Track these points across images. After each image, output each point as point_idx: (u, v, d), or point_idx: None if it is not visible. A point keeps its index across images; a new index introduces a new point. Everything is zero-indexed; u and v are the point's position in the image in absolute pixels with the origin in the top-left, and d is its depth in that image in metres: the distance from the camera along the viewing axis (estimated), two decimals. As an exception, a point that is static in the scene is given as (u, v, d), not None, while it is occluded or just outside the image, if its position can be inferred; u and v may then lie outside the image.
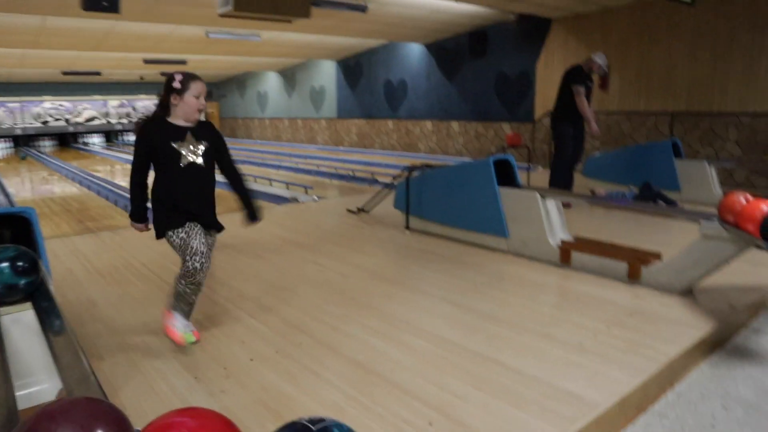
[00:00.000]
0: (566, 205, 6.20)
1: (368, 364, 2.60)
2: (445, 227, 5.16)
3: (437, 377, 2.45)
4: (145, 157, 2.68)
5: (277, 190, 8.94)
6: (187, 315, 2.82)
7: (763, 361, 2.86)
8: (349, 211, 6.47)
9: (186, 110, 2.66)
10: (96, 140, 25.26)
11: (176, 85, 2.63)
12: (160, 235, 2.72)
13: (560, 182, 6.53)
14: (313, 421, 0.96)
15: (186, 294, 2.74)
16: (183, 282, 2.70)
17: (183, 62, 17.83)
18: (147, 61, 16.78)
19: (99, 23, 10.35)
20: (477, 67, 12.97)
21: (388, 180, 6.76)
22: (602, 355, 2.65)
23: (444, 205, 5.16)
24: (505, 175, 4.73)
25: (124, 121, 25.33)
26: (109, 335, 3.01)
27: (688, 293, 3.46)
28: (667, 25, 9.25)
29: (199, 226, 2.73)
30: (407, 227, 5.50)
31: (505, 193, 4.58)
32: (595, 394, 2.27)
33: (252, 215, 2.95)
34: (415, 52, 14.78)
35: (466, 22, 11.99)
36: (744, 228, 2.94)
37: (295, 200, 7.65)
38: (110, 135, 25.64)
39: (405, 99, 15.34)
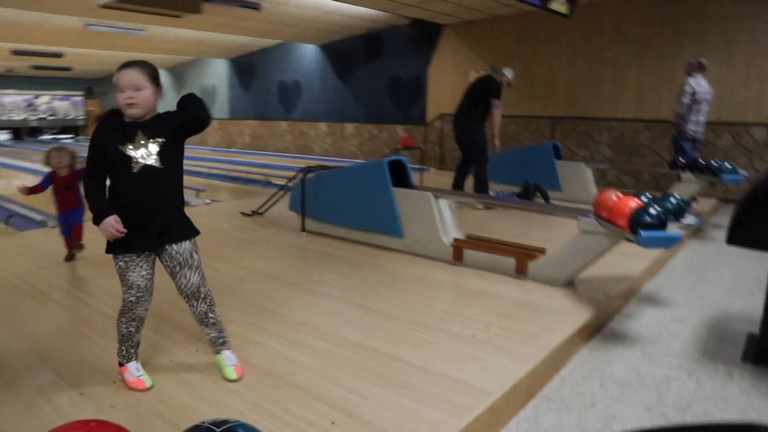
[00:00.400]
0: (488, 208, 6.49)
1: (269, 368, 2.56)
2: (342, 228, 5.19)
3: (339, 377, 2.46)
4: (97, 164, 2.29)
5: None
6: (136, 356, 2.48)
7: (634, 343, 3.15)
8: (243, 213, 6.32)
9: (121, 108, 2.30)
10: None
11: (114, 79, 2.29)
12: (107, 250, 2.35)
13: (485, 186, 6.74)
14: (217, 423, 0.94)
15: (129, 334, 2.43)
16: (123, 320, 2.40)
17: (59, 55, 16.53)
18: (16, 53, 15.37)
19: (-44, 9, 9.37)
20: (371, 69, 13.15)
21: (282, 182, 6.68)
22: (494, 345, 2.79)
23: (340, 207, 5.19)
24: (399, 176, 4.84)
25: (-10, 119, 22.89)
26: (-23, 354, 2.74)
27: (569, 284, 3.74)
28: (548, 35, 9.91)
29: (143, 253, 2.34)
30: (303, 229, 5.46)
31: (400, 194, 4.69)
32: (489, 382, 2.39)
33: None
34: (309, 53, 14.72)
35: (360, 25, 12.12)
36: (616, 223, 3.21)
37: (186, 203, 7.33)
38: (-27, 135, 23.07)
39: (299, 100, 15.23)
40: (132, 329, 2.42)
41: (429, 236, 4.49)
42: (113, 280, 3.87)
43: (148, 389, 2.37)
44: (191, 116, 2.44)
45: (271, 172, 11.73)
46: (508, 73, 6.75)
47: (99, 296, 3.58)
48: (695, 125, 6.73)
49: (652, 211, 3.01)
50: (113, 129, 2.30)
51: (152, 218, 2.31)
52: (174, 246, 2.36)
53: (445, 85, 11.60)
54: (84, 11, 9.78)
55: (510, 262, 4.01)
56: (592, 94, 9.48)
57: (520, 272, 3.95)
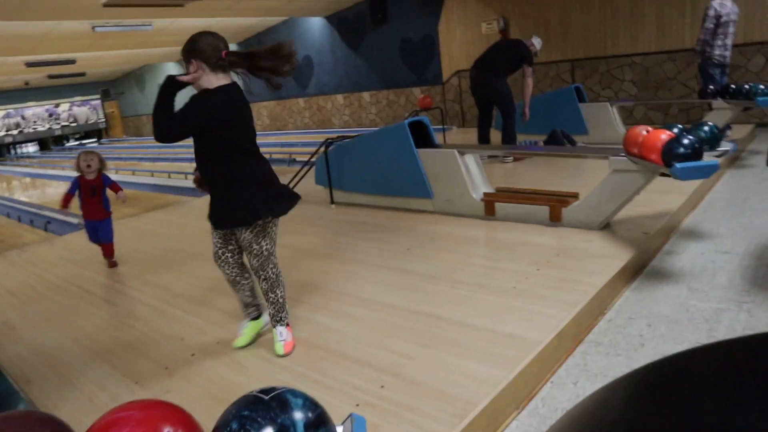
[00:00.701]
0: (517, 159, 6.41)
1: (314, 340, 2.59)
2: (370, 196, 5.17)
3: (383, 341, 2.48)
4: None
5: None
6: (245, 315, 2.70)
7: (679, 279, 3.08)
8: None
9: None
10: (-16, 155, 23.25)
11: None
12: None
13: (514, 138, 6.64)
14: (265, 391, 0.94)
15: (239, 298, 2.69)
16: None
17: (72, 62, 16.68)
18: (30, 64, 15.55)
19: (-33, 26, 9.49)
20: (380, 35, 12.93)
21: (306, 159, 6.67)
22: (536, 295, 2.76)
23: (365, 175, 5.16)
24: (422, 137, 4.78)
25: (14, 132, 23.30)
26: (34, 356, 2.83)
27: (606, 227, 3.66)
28: (557, -25, 9.55)
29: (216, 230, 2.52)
30: (332, 202, 5.47)
31: (424, 154, 4.63)
32: (534, 333, 2.37)
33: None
34: (316, 26, 14.53)
35: (364, -10, 11.89)
36: (648, 158, 3.12)
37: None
38: (1, 149, 23.52)
39: (312, 75, 15.11)
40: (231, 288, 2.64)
41: (458, 193, 4.44)
42: (153, 274, 3.96)
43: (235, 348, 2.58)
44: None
45: (293, 150, 11.73)
46: (537, 42, 6.67)
47: (141, 288, 3.66)
48: (722, 49, 6.43)
49: (685, 141, 2.91)
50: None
51: (212, 200, 2.48)
52: (235, 229, 2.47)
53: (458, 41, 11.34)
54: (89, 12, 9.80)
55: (543, 210, 3.95)
56: (609, 31, 9.15)
57: (555, 220, 3.89)
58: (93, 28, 11.30)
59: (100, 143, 24.46)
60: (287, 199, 2.50)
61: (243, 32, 15.83)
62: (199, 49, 2.31)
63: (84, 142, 25.09)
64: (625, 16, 8.89)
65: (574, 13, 9.50)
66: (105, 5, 6.51)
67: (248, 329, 2.65)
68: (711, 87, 6.23)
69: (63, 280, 4.08)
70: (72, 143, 24.94)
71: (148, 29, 12.49)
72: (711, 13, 6.30)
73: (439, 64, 11.83)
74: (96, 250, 4.37)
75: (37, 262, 4.68)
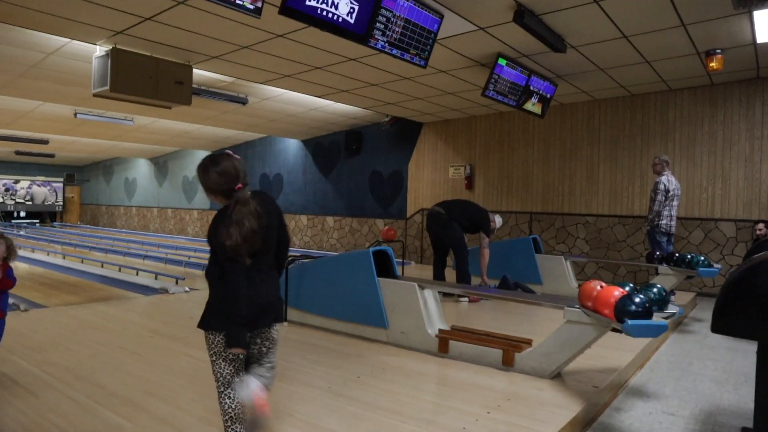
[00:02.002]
0: (472, 300, 6.57)
1: (250, 461, 2.43)
2: (325, 319, 5.11)
3: (325, 471, 2.34)
4: None
5: (145, 280, 8.38)
6: None
7: (626, 438, 3.07)
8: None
9: None
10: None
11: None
12: None
13: (468, 279, 6.87)
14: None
15: None
16: None
17: (45, 142, 16.70)
18: (0, 138, 15.48)
19: (-54, 94, 9.50)
20: (352, 164, 13.49)
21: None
22: (485, 439, 2.70)
23: (323, 297, 5.14)
24: (383, 267, 4.85)
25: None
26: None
27: (557, 377, 3.68)
28: (523, 133, 10.38)
29: None
30: (285, 319, 5.37)
31: (385, 284, 4.68)
32: (482, 478, 2.29)
33: None
34: (292, 147, 15.11)
35: (343, 122, 12.57)
36: (601, 312, 3.23)
37: (164, 291, 7.20)
38: (-55, 216, 22.76)
39: (281, 193, 15.43)
40: None
41: (414, 327, 4.44)
42: (86, 368, 3.72)
43: None
44: None
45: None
46: (498, 221, 7.25)
47: (71, 382, 3.42)
48: (668, 219, 6.97)
49: (636, 299, 3.05)
50: None
51: None
52: None
53: (425, 180, 11.92)
54: (77, 100, 10.02)
55: (496, 353, 3.96)
56: (567, 190, 9.82)
57: (507, 364, 3.89)
58: (75, 114, 11.49)
59: (53, 225, 23.82)
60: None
61: (220, 142, 16.30)
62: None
63: (32, 221, 24.41)
64: (582, 179, 9.60)
65: (535, 169, 10.21)
66: (95, 95, 6.68)
67: None
68: (658, 253, 6.63)
69: (-16, 364, 3.78)
70: (18, 221, 24.22)
71: (129, 124, 12.76)
72: (661, 187, 6.89)
73: (404, 200, 12.30)
74: (28, 332, 4.12)
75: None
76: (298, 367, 3.91)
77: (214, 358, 2.38)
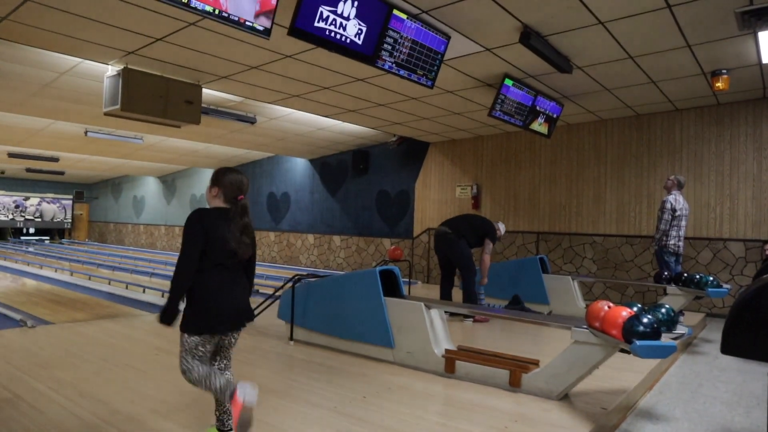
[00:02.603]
0: (478, 320, 6.54)
1: (255, 481, 2.41)
2: (330, 338, 5.09)
3: (330, 492, 2.32)
4: None
5: (151, 297, 8.39)
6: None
7: (635, 461, 3.02)
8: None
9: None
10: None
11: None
12: None
13: (475, 299, 6.83)
14: None
15: None
16: None
17: (55, 159, 16.88)
18: (12, 155, 15.65)
19: (-40, 113, 9.64)
20: (359, 184, 13.54)
21: (269, 291, 6.65)
22: (492, 461, 2.67)
23: (329, 316, 5.13)
24: (390, 286, 4.85)
25: (-23, 218, 22.90)
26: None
27: (564, 398, 3.65)
28: (530, 153, 10.40)
29: None
30: (291, 338, 5.36)
31: (391, 303, 4.67)
32: (489, 500, 2.26)
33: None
34: (299, 166, 15.19)
35: (350, 141, 12.65)
36: (609, 333, 3.21)
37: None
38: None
39: (288, 212, 15.49)
40: None
41: (421, 347, 4.42)
42: (91, 385, 3.73)
43: None
44: None
45: (258, 281, 11.64)
46: (502, 228, 7.33)
47: (75, 399, 3.41)
48: (676, 239, 6.94)
49: (644, 320, 3.03)
50: None
51: None
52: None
53: (432, 200, 11.93)
54: (88, 119, 10.15)
55: (503, 374, 3.93)
56: (574, 210, 9.80)
57: (514, 385, 3.86)
58: (86, 132, 11.62)
59: (61, 242, 23.97)
60: None
61: (228, 161, 16.42)
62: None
63: (42, 238, 24.61)
64: (589, 199, 9.59)
65: (542, 189, 10.21)
66: (106, 114, 6.77)
67: None
68: (666, 273, 6.59)
69: (-9, 381, 3.79)
70: (27, 237, 24.45)
71: (138, 142, 12.89)
72: (668, 206, 6.88)
73: (411, 219, 12.31)
74: (35, 349, 4.12)
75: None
76: (303, 386, 3.89)
77: (183, 355, 2.72)
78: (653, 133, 8.97)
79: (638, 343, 2.94)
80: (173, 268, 2.69)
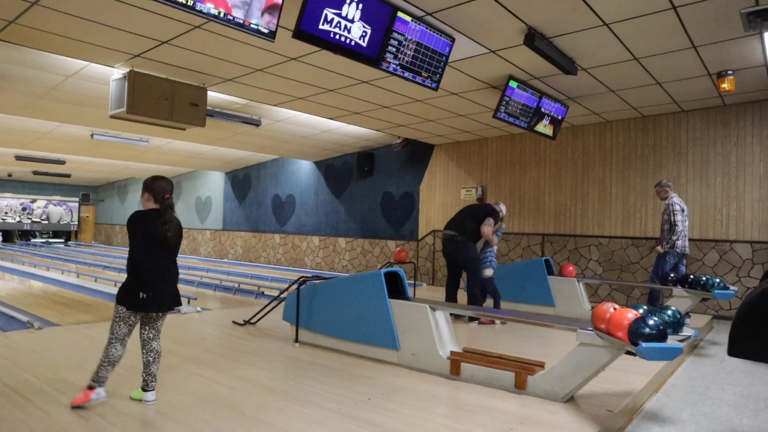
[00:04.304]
0: (482, 322, 6.52)
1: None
2: (335, 340, 5.09)
3: (335, 494, 2.32)
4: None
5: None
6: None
7: (642, 464, 3.01)
8: (235, 323, 6.22)
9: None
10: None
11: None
12: None
13: (478, 300, 6.78)
14: None
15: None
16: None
17: (62, 162, 17.00)
18: (19, 158, 15.77)
19: (-33, 115, 9.72)
20: (364, 186, 13.55)
21: (275, 293, 6.66)
22: (498, 463, 2.66)
23: (334, 317, 5.12)
24: (395, 288, 4.84)
25: (-18, 219, 23.10)
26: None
27: (570, 400, 3.63)
28: (535, 155, 10.39)
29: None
30: (297, 340, 5.36)
31: (396, 305, 4.66)
32: (494, 503, 2.25)
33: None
34: (304, 168, 15.22)
35: (355, 143, 12.67)
36: (614, 335, 3.20)
37: (176, 311, 7.22)
38: (-38, 234, 23.24)
39: (293, 214, 15.51)
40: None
41: (426, 349, 4.41)
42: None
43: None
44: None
45: (263, 283, 11.68)
46: (503, 207, 7.34)
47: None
48: (683, 239, 6.93)
49: (650, 321, 3.01)
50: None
51: None
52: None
53: (437, 202, 11.93)
54: (95, 122, 10.21)
55: (509, 376, 3.92)
56: (579, 211, 9.78)
57: (519, 387, 3.85)
58: (92, 135, 11.69)
59: (67, 245, 24.08)
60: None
61: (233, 163, 16.47)
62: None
63: (51, 241, 24.74)
64: (594, 200, 9.56)
65: (547, 191, 10.20)
66: (112, 117, 6.80)
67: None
68: (672, 275, 6.56)
69: (-2, 382, 3.81)
70: (38, 240, 24.61)
71: (144, 145, 12.94)
72: (677, 207, 6.87)
73: (416, 222, 12.31)
74: (40, 351, 4.14)
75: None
76: (308, 388, 3.89)
77: (116, 320, 3.35)
78: (659, 135, 8.94)
79: (644, 345, 2.92)
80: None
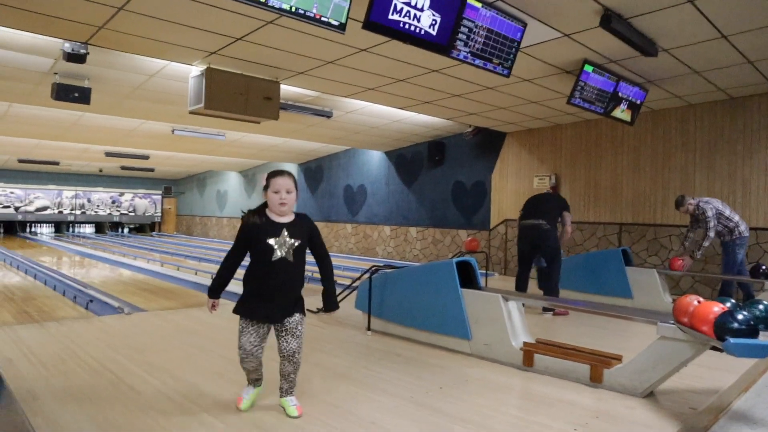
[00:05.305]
0: (557, 313, 6.44)
1: (334, 466, 2.48)
2: (407, 328, 5.13)
3: (407, 480, 2.35)
4: (242, 247, 3.08)
5: (235, 287, 8.75)
6: (249, 382, 3.28)
7: (728, 465, 2.86)
8: (309, 311, 6.38)
9: (272, 205, 3.03)
10: (45, 230, 24.77)
11: (264, 182, 3.08)
12: (234, 310, 3.11)
13: (557, 291, 6.75)
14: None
15: (247, 372, 3.24)
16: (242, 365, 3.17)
17: (146, 157, 17.96)
18: (109, 154, 16.81)
19: (65, 113, 10.40)
20: (435, 175, 13.49)
21: (347, 282, 6.77)
22: (573, 457, 2.61)
23: (406, 307, 5.16)
24: (467, 278, 4.82)
25: (77, 212, 24.90)
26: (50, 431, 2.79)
27: (649, 395, 3.50)
28: (611, 141, 9.98)
29: (256, 324, 3.05)
30: (369, 328, 5.44)
31: (468, 295, 4.64)
32: (569, 497, 2.22)
33: (327, 306, 3.27)
34: (375, 158, 15.33)
35: (426, 133, 12.62)
36: (698, 329, 3.05)
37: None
38: (60, 225, 25.18)
39: (364, 204, 15.67)
40: (243, 367, 3.19)
41: (498, 339, 4.37)
42: (182, 370, 3.95)
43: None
44: (321, 246, 3.29)
45: (335, 272, 11.86)
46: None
47: (167, 382, 3.63)
48: (745, 225, 6.99)
49: (739, 316, 2.85)
50: (262, 223, 3.01)
51: (275, 299, 3.01)
52: (288, 318, 3.04)
53: (509, 191, 11.71)
54: (175, 118, 10.72)
55: (584, 369, 3.83)
56: (660, 199, 9.32)
57: (595, 380, 3.75)
58: (173, 130, 12.27)
59: (151, 235, 25.53)
60: None
61: (306, 155, 16.81)
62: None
63: (138, 233, 26.39)
64: (676, 188, 9.08)
65: (625, 178, 9.78)
66: (191, 113, 7.11)
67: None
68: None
69: (94, 359, 4.11)
70: (126, 232, 26.31)
71: (221, 139, 13.45)
72: (710, 213, 6.92)
73: (488, 211, 12.14)
74: (130, 335, 4.42)
75: (72, 338, 4.74)
76: (380, 376, 3.95)
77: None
78: (749, 117, 8.36)
79: (732, 341, 2.77)
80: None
